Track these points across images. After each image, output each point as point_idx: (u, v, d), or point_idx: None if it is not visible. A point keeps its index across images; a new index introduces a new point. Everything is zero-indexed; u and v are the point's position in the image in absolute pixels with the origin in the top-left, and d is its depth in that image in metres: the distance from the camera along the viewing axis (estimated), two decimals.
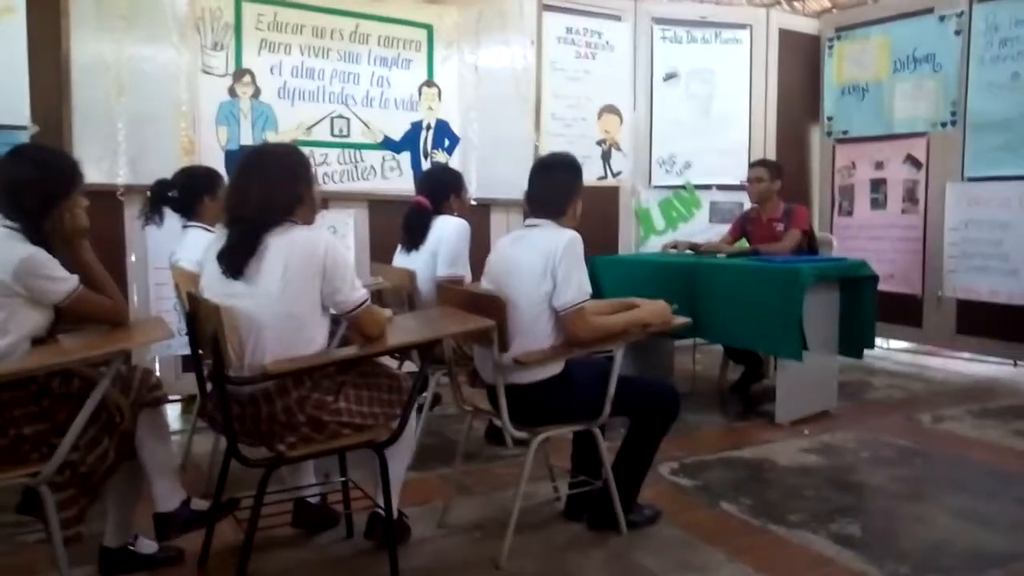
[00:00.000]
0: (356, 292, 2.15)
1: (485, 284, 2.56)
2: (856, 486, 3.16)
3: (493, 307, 2.33)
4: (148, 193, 3.15)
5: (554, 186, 2.56)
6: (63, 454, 1.96)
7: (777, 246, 4.37)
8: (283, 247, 2.06)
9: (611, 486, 2.56)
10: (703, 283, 4.04)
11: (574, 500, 2.74)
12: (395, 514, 2.33)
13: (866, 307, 4.07)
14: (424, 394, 3.49)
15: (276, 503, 2.50)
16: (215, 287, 2.12)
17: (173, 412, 4.16)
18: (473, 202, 4.79)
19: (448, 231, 3.39)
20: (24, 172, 2.13)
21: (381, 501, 2.29)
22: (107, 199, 3.84)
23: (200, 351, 2.27)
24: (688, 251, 4.61)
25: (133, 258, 4.01)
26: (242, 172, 2.18)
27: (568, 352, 2.45)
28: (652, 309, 2.59)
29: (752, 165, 4.71)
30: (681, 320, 2.67)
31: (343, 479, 2.58)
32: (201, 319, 2.17)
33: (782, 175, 4.57)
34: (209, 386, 2.23)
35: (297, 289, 2.06)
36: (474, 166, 4.85)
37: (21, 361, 2.01)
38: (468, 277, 3.40)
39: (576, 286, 2.37)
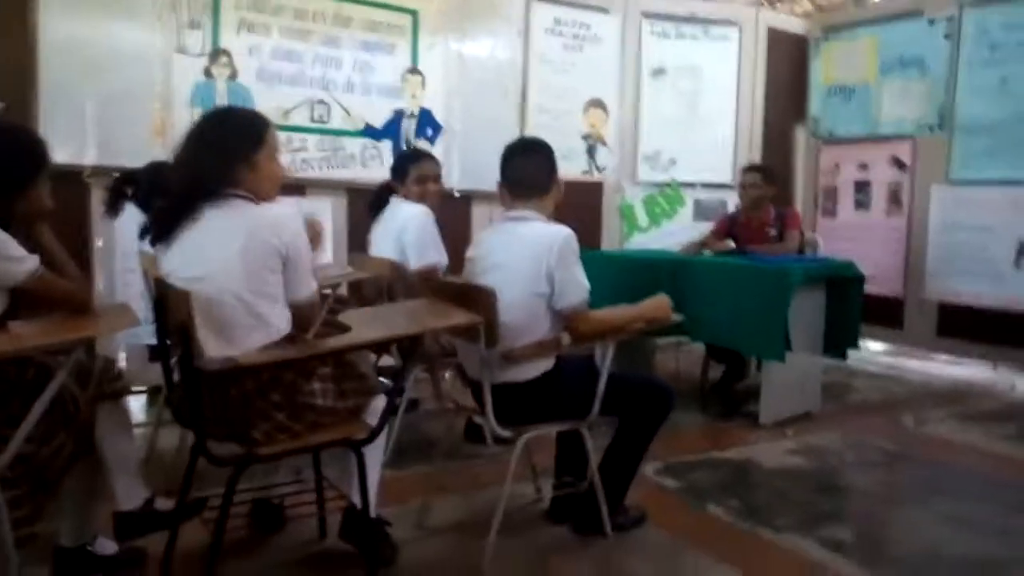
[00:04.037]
0: (309, 282, 2.06)
1: (469, 279, 2.46)
2: (843, 489, 3.10)
3: (481, 300, 2.22)
4: (109, 186, 3.05)
5: (535, 165, 2.48)
6: (15, 448, 1.82)
7: (780, 247, 4.30)
8: (238, 224, 1.94)
9: (597, 487, 2.47)
10: (688, 281, 3.95)
11: (558, 501, 2.65)
12: (372, 513, 2.23)
13: (852, 308, 4.02)
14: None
15: (247, 503, 2.38)
16: (176, 272, 1.99)
17: (138, 404, 4.00)
18: (456, 194, 4.72)
19: (408, 220, 3.26)
20: None
21: (357, 500, 2.19)
22: (73, 181, 3.69)
23: (168, 340, 2.14)
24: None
25: (100, 243, 3.84)
26: (186, 136, 2.04)
27: (557, 348, 2.36)
28: (653, 303, 2.51)
29: (746, 170, 4.61)
30: (679, 316, 2.58)
31: (317, 477, 2.47)
32: (170, 306, 2.05)
33: (776, 180, 4.51)
34: (176, 376, 2.10)
35: (258, 269, 1.95)
36: (457, 156, 4.74)
37: None
38: (444, 260, 3.29)
39: (577, 287, 2.30)
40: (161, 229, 2.01)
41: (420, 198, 3.38)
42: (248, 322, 1.95)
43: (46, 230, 2.13)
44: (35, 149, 2.09)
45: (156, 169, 3.07)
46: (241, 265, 1.92)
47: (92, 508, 2.22)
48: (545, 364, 2.36)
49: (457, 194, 4.76)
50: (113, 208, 3.00)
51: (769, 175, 4.48)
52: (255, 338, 1.97)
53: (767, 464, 3.33)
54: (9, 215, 2.02)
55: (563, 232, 2.33)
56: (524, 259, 2.31)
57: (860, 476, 3.25)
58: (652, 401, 2.49)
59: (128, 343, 3.91)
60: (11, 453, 1.82)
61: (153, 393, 4.04)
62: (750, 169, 4.60)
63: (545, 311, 2.33)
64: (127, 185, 2.97)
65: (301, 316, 2.07)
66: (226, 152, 1.98)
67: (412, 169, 3.42)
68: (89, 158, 3.75)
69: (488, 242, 2.47)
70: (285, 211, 2.03)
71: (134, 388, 3.82)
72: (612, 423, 2.52)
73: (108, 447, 2.15)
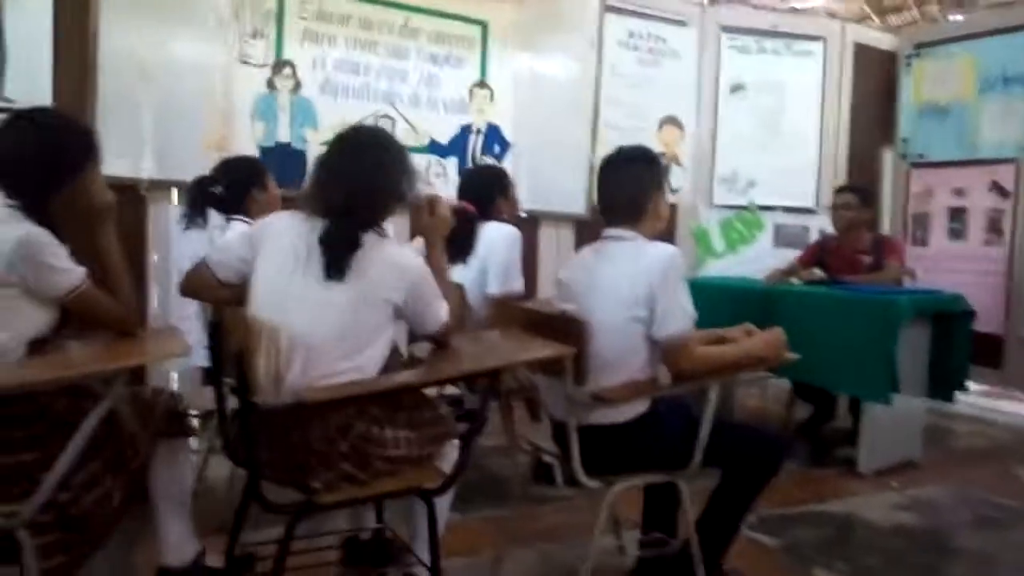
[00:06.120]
0: (441, 310, 1.91)
1: (559, 305, 2.19)
2: (967, 554, 2.73)
3: (571, 331, 1.95)
4: (188, 193, 2.82)
5: (626, 184, 2.18)
6: (46, 492, 1.59)
7: (878, 277, 3.92)
8: (374, 261, 1.79)
9: (694, 548, 2.15)
10: (779, 312, 3.60)
11: (646, 562, 2.34)
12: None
13: (960, 345, 3.64)
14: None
15: (302, 552, 2.12)
16: (280, 286, 1.80)
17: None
18: (523, 214, 4.44)
19: (497, 241, 2.98)
20: (28, 140, 1.79)
21: (423, 555, 1.93)
22: (129, 194, 3.54)
23: (223, 369, 1.92)
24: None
25: (155, 258, 3.68)
26: (343, 156, 1.88)
27: (655, 389, 2.07)
28: (767, 340, 2.21)
29: (840, 190, 4.25)
30: (794, 356, 2.27)
31: (379, 526, 2.21)
32: (227, 331, 1.83)
33: (872, 203, 4.15)
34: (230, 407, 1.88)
35: (375, 307, 1.79)
36: (526, 176, 4.47)
37: (12, 371, 1.65)
38: (522, 289, 3.02)
39: (680, 313, 2.01)
40: (339, 260, 1.77)
41: (510, 215, 3.15)
42: (358, 356, 1.78)
43: (108, 232, 1.91)
44: (78, 138, 1.87)
45: (231, 166, 2.87)
46: (358, 301, 1.77)
47: (132, 556, 1.99)
48: (640, 406, 2.07)
49: (523, 214, 4.48)
50: (198, 213, 2.74)
51: (865, 197, 4.11)
52: (342, 375, 1.76)
53: (874, 520, 2.97)
54: (56, 216, 1.81)
55: (668, 250, 2.06)
56: (621, 280, 2.04)
57: (980, 537, 2.87)
58: (761, 454, 2.18)
59: (180, 368, 3.74)
60: (41, 499, 1.59)
61: (205, 418, 3.85)
62: (844, 189, 4.24)
63: (642, 340, 2.05)
64: (212, 185, 2.74)
65: (444, 343, 2.00)
66: (392, 179, 1.88)
67: (510, 191, 3.20)
68: (146, 171, 3.59)
69: (581, 264, 2.20)
70: (404, 249, 1.95)
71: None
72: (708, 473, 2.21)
73: (161, 489, 1.93)
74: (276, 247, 1.84)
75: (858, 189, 4.20)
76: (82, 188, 1.83)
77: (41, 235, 1.71)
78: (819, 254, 4.25)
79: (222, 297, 1.92)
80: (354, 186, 1.81)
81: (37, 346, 1.75)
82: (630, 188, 2.18)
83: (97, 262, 1.85)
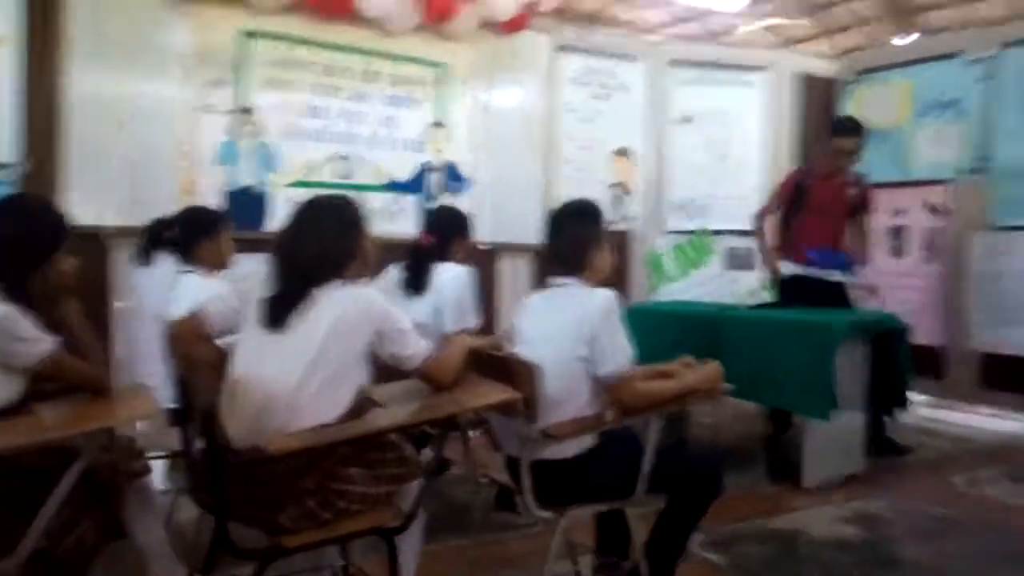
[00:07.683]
0: (419, 345, 2.04)
1: (508, 346, 2.34)
2: (905, 564, 2.90)
3: (522, 373, 2.10)
4: (144, 232, 2.96)
5: (569, 240, 2.35)
6: (28, 547, 1.71)
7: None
8: (333, 304, 1.93)
9: (643, 570, 2.31)
10: (726, 336, 3.81)
11: None
12: None
13: (901, 361, 3.84)
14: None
15: None
16: (251, 340, 1.97)
17: (157, 470, 3.86)
18: (490, 247, 4.61)
19: (447, 280, 3.14)
20: (7, 228, 1.96)
21: None
22: (97, 241, 3.63)
23: (190, 416, 2.05)
24: None
25: (122, 304, 3.77)
26: (297, 224, 2.06)
27: (601, 425, 2.22)
28: (705, 375, 2.37)
29: (847, 132, 3.98)
30: (730, 387, 2.45)
31: (343, 564, 2.33)
32: (195, 388, 1.95)
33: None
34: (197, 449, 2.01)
35: (340, 348, 1.92)
36: (483, 210, 4.64)
37: None
38: (478, 323, 3.18)
39: (619, 352, 2.16)
40: (278, 313, 1.95)
41: (463, 257, 3.29)
42: (329, 398, 1.91)
43: (72, 305, 2.09)
44: (51, 225, 2.05)
45: (190, 213, 3.01)
46: (324, 341, 1.90)
47: None
48: (588, 440, 2.23)
49: (490, 246, 4.66)
50: (147, 255, 2.89)
51: (866, 131, 4.02)
52: (308, 418, 1.89)
53: (817, 535, 3.14)
54: (30, 291, 1.96)
55: (604, 293, 2.22)
56: (565, 323, 2.20)
57: (920, 547, 3.04)
58: (701, 478, 2.34)
59: None
60: (24, 554, 1.71)
61: (172, 458, 3.91)
62: (851, 132, 3.99)
63: (586, 378, 2.21)
64: (166, 228, 2.87)
65: (432, 378, 2.10)
66: (343, 241, 2.04)
67: (467, 235, 3.37)
68: (116, 218, 3.70)
69: (530, 309, 2.37)
70: (368, 290, 2.07)
71: (153, 454, 3.72)
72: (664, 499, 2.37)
73: (140, 530, 2.08)
74: (255, 300, 2.01)
75: (861, 126, 4.06)
76: (50, 269, 1.99)
77: (11, 311, 1.85)
78: (799, 190, 4.15)
79: (208, 356, 2.07)
80: (308, 253, 1.98)
81: (6, 414, 1.87)
82: (574, 243, 2.34)
83: (65, 331, 1.99)
